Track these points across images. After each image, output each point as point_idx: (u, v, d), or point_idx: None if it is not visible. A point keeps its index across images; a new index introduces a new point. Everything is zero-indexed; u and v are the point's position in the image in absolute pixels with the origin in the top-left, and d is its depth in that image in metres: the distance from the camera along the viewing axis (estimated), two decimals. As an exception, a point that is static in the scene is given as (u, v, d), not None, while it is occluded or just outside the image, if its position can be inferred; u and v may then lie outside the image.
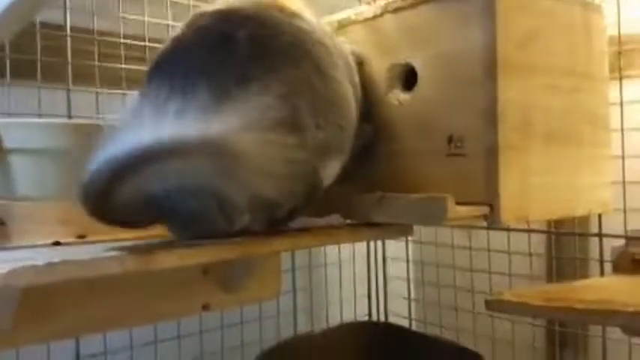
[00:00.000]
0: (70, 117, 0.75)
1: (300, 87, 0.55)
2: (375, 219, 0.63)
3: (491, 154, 0.59)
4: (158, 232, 0.64)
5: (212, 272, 0.78)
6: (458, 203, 0.57)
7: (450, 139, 0.62)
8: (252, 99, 0.50)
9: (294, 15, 0.57)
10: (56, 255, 0.46)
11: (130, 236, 0.65)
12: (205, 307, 0.78)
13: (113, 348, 0.79)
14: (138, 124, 0.47)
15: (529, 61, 0.62)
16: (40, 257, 0.45)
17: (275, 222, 0.59)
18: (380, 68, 0.69)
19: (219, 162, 0.47)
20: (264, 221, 0.57)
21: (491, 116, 0.59)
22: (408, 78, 0.67)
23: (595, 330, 0.85)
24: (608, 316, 0.45)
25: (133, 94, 0.55)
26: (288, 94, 0.53)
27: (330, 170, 0.59)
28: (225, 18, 0.55)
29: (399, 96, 0.67)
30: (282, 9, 0.57)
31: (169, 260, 0.50)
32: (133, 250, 0.50)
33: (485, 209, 0.59)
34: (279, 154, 0.50)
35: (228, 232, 0.54)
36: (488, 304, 0.56)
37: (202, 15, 0.56)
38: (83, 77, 0.77)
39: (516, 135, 0.60)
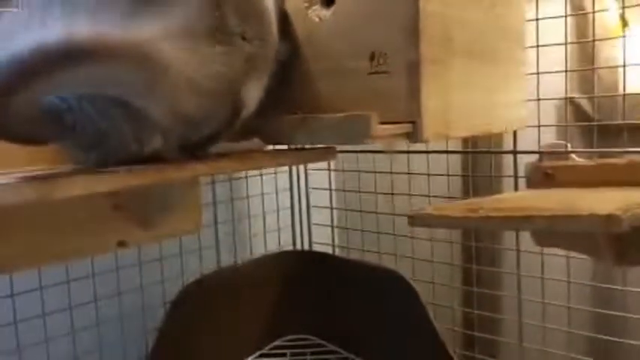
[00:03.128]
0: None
1: None
2: (298, 141, 0.61)
3: (413, 69, 0.58)
4: (60, 165, 0.59)
5: (125, 207, 0.73)
6: (382, 123, 0.56)
7: (373, 57, 0.60)
8: (172, 4, 0.45)
9: None
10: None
11: (28, 169, 0.60)
12: (121, 244, 0.75)
13: (21, 289, 0.74)
14: (40, 21, 0.41)
15: (449, -26, 0.61)
16: None
17: (191, 148, 0.55)
18: (297, -18, 0.65)
19: (142, 69, 0.42)
20: (178, 147, 0.54)
21: (412, 30, 0.57)
22: (329, -8, 0.64)
23: (509, 244, 0.89)
24: (526, 220, 0.47)
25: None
26: None
27: (252, 92, 0.56)
28: None
29: (319, 12, 0.64)
30: None
31: (74, 188, 0.46)
32: (32, 178, 0.46)
33: (408, 127, 0.58)
34: (205, 67, 0.46)
35: (137, 158, 0.51)
36: (412, 220, 0.56)
37: None
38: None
39: (438, 50, 0.60)
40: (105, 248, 0.74)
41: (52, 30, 0.39)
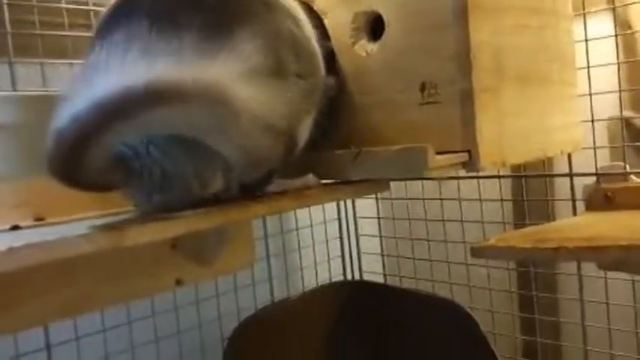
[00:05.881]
0: (15, 91, 0.69)
1: (281, 33, 0.53)
2: (353, 176, 0.61)
3: (467, 99, 0.57)
4: (119, 208, 0.61)
5: (182, 246, 0.74)
6: (436, 152, 0.56)
7: (423, 87, 0.60)
8: (238, 45, 0.47)
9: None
10: (17, 239, 0.42)
11: (90, 215, 0.61)
12: (179, 282, 0.75)
13: (85, 333, 0.76)
14: (120, 62, 0.42)
15: (497, 1, 0.61)
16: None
17: (249, 188, 0.56)
18: (343, 18, 0.66)
19: (219, 110, 0.43)
20: (238, 187, 0.54)
21: (464, 60, 0.57)
22: (375, 27, 0.65)
23: (568, 269, 0.86)
24: (600, 251, 0.45)
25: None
26: (272, 38, 0.51)
27: (306, 127, 0.57)
28: None
29: (366, 46, 0.65)
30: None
31: (143, 235, 0.47)
32: (102, 227, 0.47)
33: (464, 156, 0.58)
34: (270, 105, 0.47)
35: (198, 200, 0.51)
36: (475, 252, 0.55)
37: None
38: (25, 48, 0.71)
39: (490, 78, 0.59)
40: (164, 287, 0.75)
41: (134, 73, 0.40)
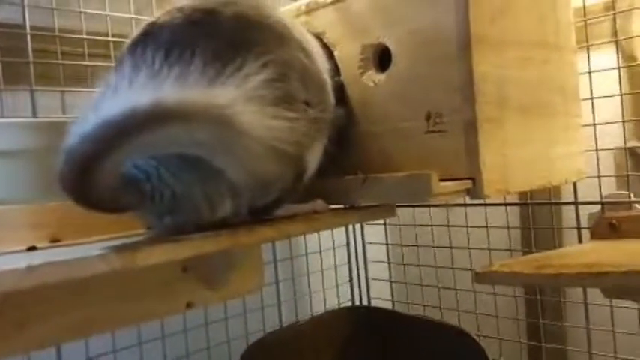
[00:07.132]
0: (35, 118, 0.72)
1: (291, 62, 0.55)
2: (360, 201, 0.63)
3: (470, 128, 0.59)
4: (132, 231, 0.62)
5: (192, 269, 0.76)
6: (440, 180, 0.57)
7: (429, 116, 0.62)
8: (245, 70, 0.49)
9: (274, 8, 0.59)
10: (36, 258, 0.43)
11: (104, 237, 0.63)
12: (189, 305, 0.77)
13: (96, 353, 0.77)
14: (127, 85, 0.43)
15: (501, 35, 0.63)
16: (18, 261, 0.42)
17: (259, 212, 0.58)
18: (351, 50, 0.68)
19: (222, 131, 0.45)
20: (246, 211, 0.56)
21: (468, 91, 0.59)
22: (382, 58, 0.67)
23: (575, 297, 0.86)
24: (600, 277, 0.46)
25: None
26: (281, 67, 0.53)
27: (314, 155, 0.59)
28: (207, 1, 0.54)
29: (374, 77, 0.67)
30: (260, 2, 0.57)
31: (155, 255, 0.49)
32: (115, 248, 0.48)
33: (468, 184, 0.59)
34: (277, 131, 0.49)
35: (207, 224, 0.53)
36: (479, 277, 0.56)
37: (181, 2, 0.54)
38: (46, 77, 0.74)
39: (493, 108, 0.61)
40: (175, 309, 0.77)
41: (140, 95, 0.42)
